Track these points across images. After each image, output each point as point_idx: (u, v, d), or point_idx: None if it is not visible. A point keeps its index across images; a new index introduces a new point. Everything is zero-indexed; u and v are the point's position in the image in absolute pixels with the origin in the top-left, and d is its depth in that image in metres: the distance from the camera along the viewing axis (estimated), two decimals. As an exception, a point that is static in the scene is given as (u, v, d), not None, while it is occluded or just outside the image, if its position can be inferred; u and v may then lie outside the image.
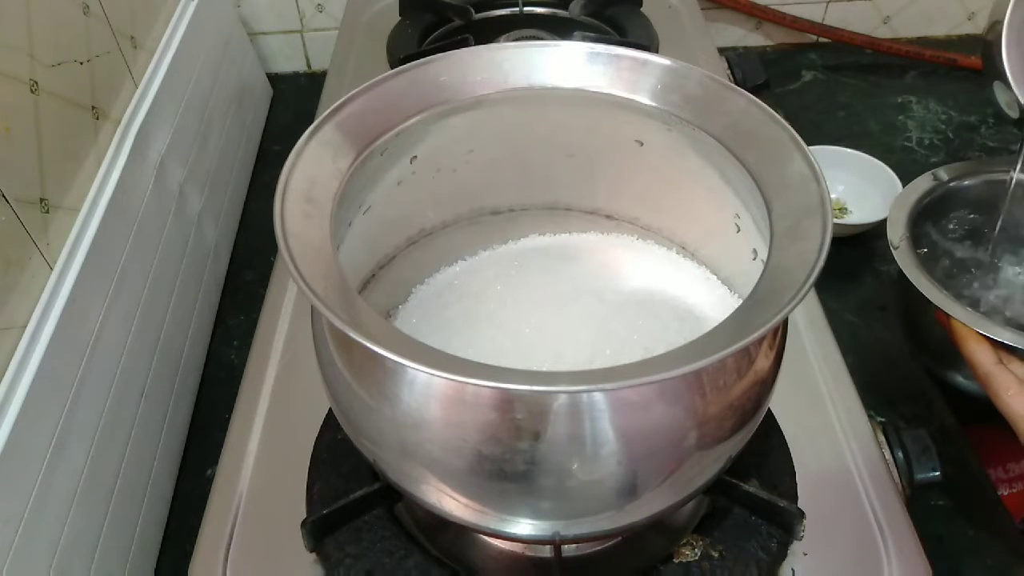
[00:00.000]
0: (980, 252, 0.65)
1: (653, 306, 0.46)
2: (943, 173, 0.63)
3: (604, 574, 0.46)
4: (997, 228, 0.63)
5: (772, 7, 1.00)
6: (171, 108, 0.69)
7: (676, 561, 0.44)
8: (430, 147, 0.43)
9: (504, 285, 0.48)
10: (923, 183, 0.62)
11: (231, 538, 0.47)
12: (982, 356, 0.49)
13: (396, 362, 0.28)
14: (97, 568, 0.49)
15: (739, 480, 0.45)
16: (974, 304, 0.54)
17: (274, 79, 1.01)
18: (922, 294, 0.54)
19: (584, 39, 0.66)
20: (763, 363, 0.36)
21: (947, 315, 0.52)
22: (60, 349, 0.47)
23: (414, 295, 0.49)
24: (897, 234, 0.57)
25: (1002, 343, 0.50)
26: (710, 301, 0.46)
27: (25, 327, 0.46)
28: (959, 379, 0.59)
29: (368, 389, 0.35)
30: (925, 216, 0.61)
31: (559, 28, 0.84)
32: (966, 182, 0.63)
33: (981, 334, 0.50)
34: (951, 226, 0.64)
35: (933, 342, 0.59)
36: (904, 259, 0.56)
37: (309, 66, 1.05)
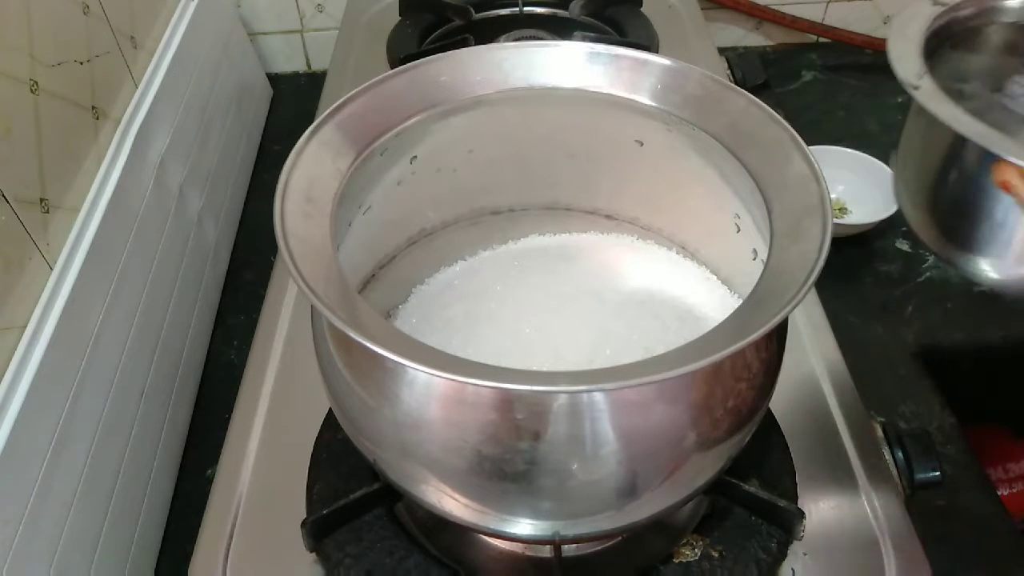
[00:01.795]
0: (1009, 90, 0.46)
1: (653, 306, 0.46)
2: None
3: (604, 574, 0.46)
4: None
5: (772, 7, 1.00)
6: (171, 108, 0.69)
7: (676, 561, 0.44)
8: (430, 147, 0.43)
9: (504, 285, 0.48)
10: (923, 8, 0.46)
11: (231, 538, 0.47)
12: None
13: (396, 362, 0.28)
14: (97, 568, 0.49)
15: (739, 480, 0.45)
16: None
17: (274, 79, 1.01)
18: (967, 143, 0.37)
19: (584, 39, 0.66)
20: (763, 363, 0.36)
21: (1015, 163, 0.35)
22: (60, 349, 0.47)
23: (414, 295, 0.49)
24: (912, 71, 0.42)
25: None
26: (710, 301, 0.46)
27: (25, 327, 0.46)
28: (990, 275, 0.44)
29: (368, 389, 0.35)
30: (936, 48, 0.45)
31: (559, 28, 0.84)
32: (968, 11, 0.46)
33: None
34: (966, 63, 0.47)
35: (967, 224, 0.43)
36: (934, 101, 0.39)
37: (309, 66, 1.05)
